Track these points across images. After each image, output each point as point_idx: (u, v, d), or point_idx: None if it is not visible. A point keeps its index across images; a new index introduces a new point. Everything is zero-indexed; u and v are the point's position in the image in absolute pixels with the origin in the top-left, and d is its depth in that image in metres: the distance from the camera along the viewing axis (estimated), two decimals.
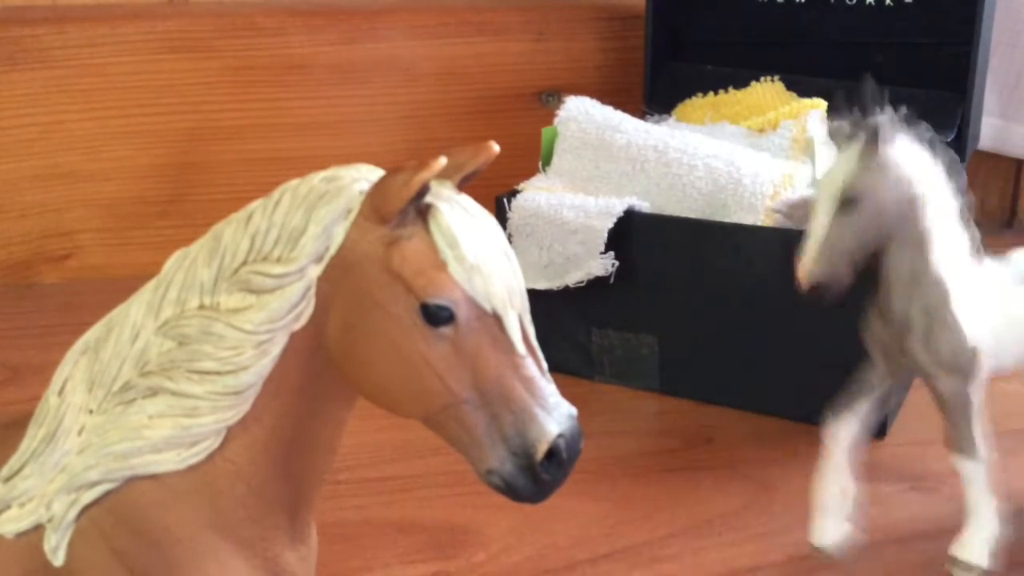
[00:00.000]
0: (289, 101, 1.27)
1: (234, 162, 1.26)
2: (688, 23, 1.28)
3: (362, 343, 0.43)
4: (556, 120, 1.08)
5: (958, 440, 0.68)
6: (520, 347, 0.42)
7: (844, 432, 0.71)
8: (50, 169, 1.22)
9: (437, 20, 1.30)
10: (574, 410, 0.43)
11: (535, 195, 1.02)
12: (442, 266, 0.42)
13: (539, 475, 0.42)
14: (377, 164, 0.46)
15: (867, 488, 0.84)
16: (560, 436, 0.42)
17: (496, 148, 0.44)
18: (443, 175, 0.44)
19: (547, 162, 1.09)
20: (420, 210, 0.42)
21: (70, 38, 1.20)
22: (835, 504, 0.72)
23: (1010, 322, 0.68)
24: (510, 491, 0.43)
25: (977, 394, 0.68)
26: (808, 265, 0.63)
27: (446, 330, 0.42)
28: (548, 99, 1.34)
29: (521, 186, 1.05)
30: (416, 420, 0.44)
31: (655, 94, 1.25)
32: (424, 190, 0.42)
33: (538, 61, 1.34)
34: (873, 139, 0.62)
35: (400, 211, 0.42)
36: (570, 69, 1.35)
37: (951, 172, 0.66)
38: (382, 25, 1.28)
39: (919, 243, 0.64)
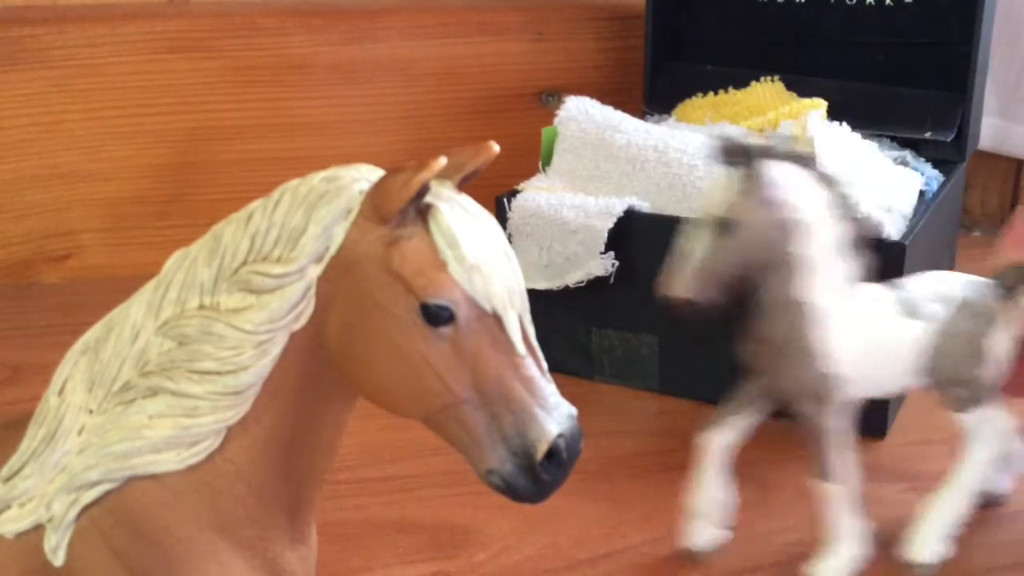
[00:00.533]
0: (289, 101, 1.26)
1: (234, 162, 1.26)
2: (688, 23, 1.28)
3: (362, 343, 0.43)
4: (556, 120, 1.08)
5: (814, 462, 0.70)
6: (520, 347, 0.42)
7: (718, 442, 0.72)
8: (50, 169, 1.22)
9: (437, 20, 1.30)
10: (574, 410, 0.43)
11: (535, 195, 1.02)
12: (442, 266, 0.42)
13: (539, 475, 0.42)
14: (377, 164, 0.46)
15: (867, 488, 0.84)
16: (560, 436, 0.42)
17: (496, 148, 0.44)
18: (443, 175, 0.44)
19: (547, 162, 1.09)
20: (420, 210, 0.42)
21: (70, 38, 1.20)
22: (706, 510, 0.74)
23: (878, 348, 0.69)
24: (510, 491, 0.43)
25: (836, 420, 0.68)
26: (681, 282, 0.65)
27: (446, 330, 0.42)
28: (548, 99, 1.34)
29: (521, 186, 1.05)
30: (416, 420, 0.44)
31: (655, 94, 1.25)
32: (424, 190, 0.42)
33: (538, 61, 1.34)
34: (751, 166, 0.64)
35: (400, 211, 0.42)
36: (570, 69, 1.35)
37: (837, 201, 0.66)
38: (382, 25, 1.28)
39: (791, 269, 0.65)
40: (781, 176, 0.64)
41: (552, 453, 0.42)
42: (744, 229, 0.63)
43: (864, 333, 0.68)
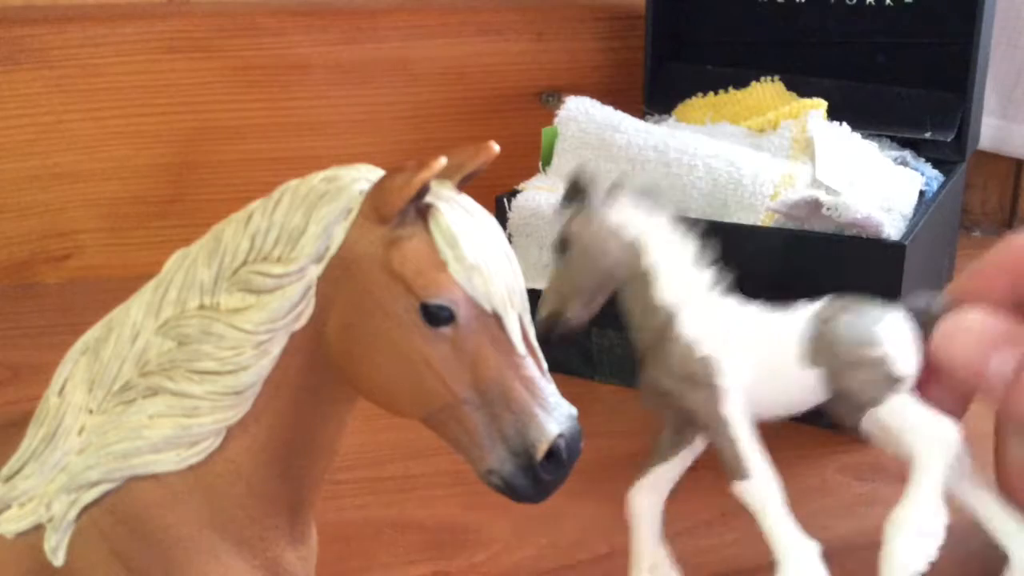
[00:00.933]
0: (289, 101, 1.27)
1: (234, 162, 1.26)
2: (688, 23, 1.28)
3: (362, 343, 0.43)
4: (556, 120, 1.08)
5: (726, 462, 0.63)
6: (520, 347, 0.42)
7: (644, 505, 0.69)
8: (50, 169, 1.22)
9: (437, 20, 1.30)
10: (574, 410, 0.43)
11: (535, 195, 1.02)
12: (442, 266, 0.42)
13: (539, 475, 0.42)
14: (377, 164, 0.46)
15: (867, 488, 0.84)
16: (560, 436, 0.42)
17: (496, 148, 0.44)
18: (443, 175, 0.44)
19: (547, 162, 1.09)
20: (420, 210, 0.42)
21: (70, 38, 1.20)
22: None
23: (771, 374, 0.65)
24: (510, 491, 0.43)
25: (733, 410, 0.63)
26: (540, 305, 0.65)
27: (446, 330, 0.42)
28: (548, 99, 1.34)
29: (521, 186, 1.05)
30: (416, 420, 0.44)
31: (655, 94, 1.25)
32: (424, 190, 0.42)
33: (538, 61, 1.34)
34: (578, 189, 0.65)
35: (400, 211, 0.42)
36: (570, 69, 1.35)
37: (679, 220, 0.67)
38: (382, 25, 1.28)
39: (643, 279, 0.65)
40: (614, 202, 0.65)
41: (552, 453, 0.42)
42: (578, 247, 0.64)
43: (762, 354, 0.65)
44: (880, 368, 0.64)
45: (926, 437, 0.65)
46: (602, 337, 1.01)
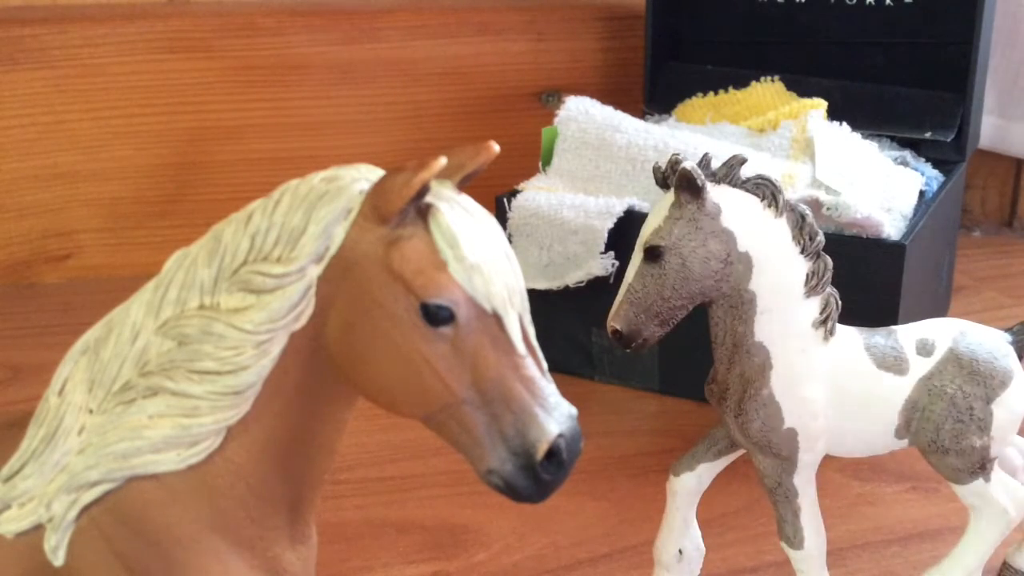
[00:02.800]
0: (289, 101, 1.27)
1: (234, 162, 1.26)
2: (688, 23, 1.28)
3: (362, 343, 0.43)
4: (556, 120, 1.08)
5: (781, 526, 0.61)
6: (520, 347, 0.42)
7: (686, 489, 0.66)
8: (50, 169, 1.22)
9: (437, 20, 1.30)
10: (574, 410, 0.43)
11: (535, 195, 1.02)
12: (442, 266, 0.42)
13: (539, 475, 0.42)
14: (377, 164, 0.46)
15: (867, 488, 0.84)
16: (560, 436, 0.42)
17: (496, 148, 0.44)
18: (443, 175, 0.44)
19: (547, 162, 1.09)
20: (420, 210, 0.42)
21: (70, 38, 1.20)
22: (673, 562, 0.67)
23: (850, 402, 0.60)
24: (510, 491, 0.43)
25: (802, 480, 0.60)
26: (611, 312, 0.58)
27: (446, 330, 0.42)
28: (548, 99, 1.34)
29: (521, 186, 1.05)
30: (416, 420, 0.44)
31: (655, 94, 1.25)
32: (424, 190, 0.42)
33: (538, 61, 1.34)
34: (684, 187, 0.56)
35: (400, 211, 0.42)
36: (570, 69, 1.35)
37: (802, 231, 0.58)
38: (382, 25, 1.28)
39: (741, 306, 0.57)
40: (729, 202, 0.57)
41: (552, 453, 0.42)
42: (674, 258, 0.56)
43: (834, 385, 0.59)
44: (975, 456, 0.60)
45: (992, 503, 0.61)
46: (602, 337, 1.01)
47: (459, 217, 0.42)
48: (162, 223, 1.26)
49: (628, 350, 0.59)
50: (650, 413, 0.98)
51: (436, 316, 0.42)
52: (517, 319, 0.43)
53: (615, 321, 0.58)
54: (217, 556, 0.45)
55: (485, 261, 0.42)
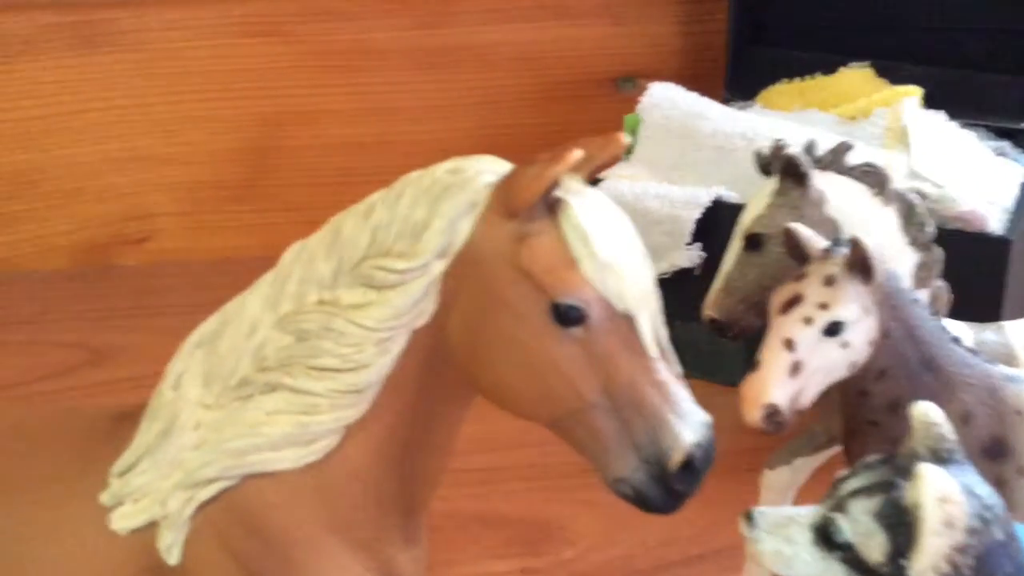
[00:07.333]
0: (365, 86, 1.25)
1: (310, 147, 1.26)
2: (771, 6, 1.24)
3: (487, 342, 0.41)
4: (638, 107, 1.06)
5: None
6: (653, 350, 0.41)
7: (778, 484, 0.65)
8: (128, 152, 1.23)
9: (513, 4, 1.28)
10: (708, 417, 0.41)
11: (617, 183, 0.99)
12: (574, 264, 0.40)
13: (672, 485, 0.40)
14: (452, 151, 0.44)
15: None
16: (696, 445, 0.40)
17: (626, 140, 0.42)
18: (572, 168, 0.42)
19: (629, 150, 1.06)
20: (550, 205, 0.41)
21: (148, 22, 1.20)
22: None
23: None
24: (640, 501, 0.41)
25: None
26: (707, 300, 0.56)
27: (576, 331, 0.40)
28: (624, 84, 1.31)
29: (602, 175, 1.03)
30: (541, 424, 0.42)
31: (737, 80, 1.22)
32: (556, 184, 0.40)
33: (615, 46, 1.31)
34: (788, 173, 0.54)
35: (531, 206, 0.40)
36: (647, 54, 1.32)
37: (911, 221, 0.55)
38: (458, 10, 1.27)
39: None
40: (835, 189, 0.55)
41: (686, 463, 0.40)
42: (776, 245, 0.54)
43: None
44: None
45: None
46: (687, 331, 0.99)
47: (591, 213, 0.41)
48: (239, 207, 1.26)
49: (726, 337, 0.56)
50: (736, 409, 0.96)
51: (567, 316, 0.40)
52: (650, 321, 0.41)
53: (711, 309, 0.56)
54: (333, 558, 0.44)
55: (619, 259, 0.40)
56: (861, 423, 0.57)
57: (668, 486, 0.40)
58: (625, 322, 0.40)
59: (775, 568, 0.44)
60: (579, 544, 0.77)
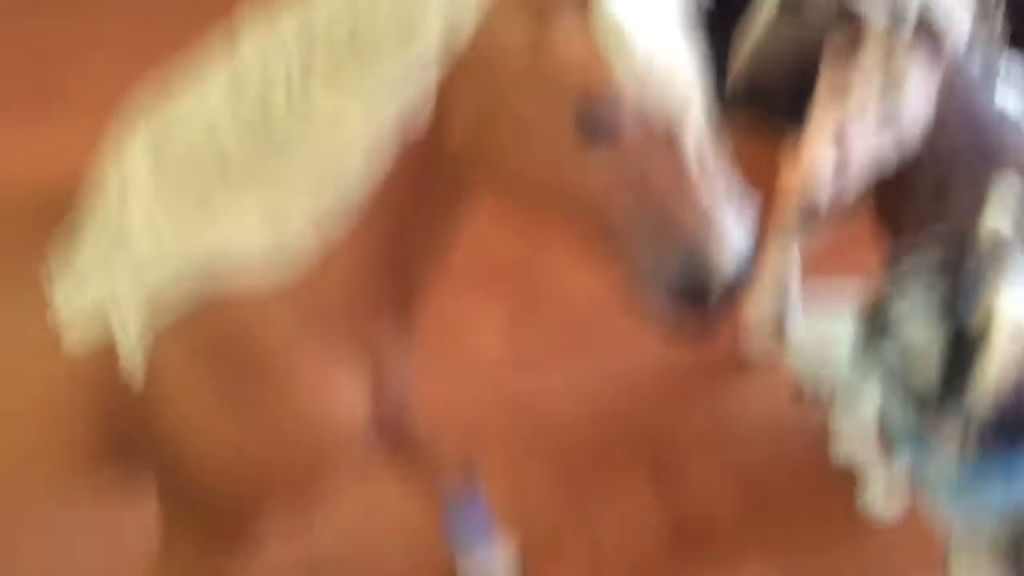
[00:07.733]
0: None
1: None
2: None
3: (498, 159, 0.36)
4: None
5: None
6: (693, 166, 0.36)
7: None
8: None
9: None
10: (746, 243, 0.37)
11: None
12: (606, 66, 0.34)
13: (705, 307, 0.37)
14: None
15: None
16: (728, 272, 0.37)
17: None
18: None
19: None
20: None
21: None
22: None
23: None
24: (664, 319, 0.38)
25: None
26: (733, 68, 0.52)
27: (606, 142, 0.35)
28: None
29: None
30: (564, 233, 0.38)
31: None
32: None
33: None
34: None
35: None
36: None
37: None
38: None
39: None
40: None
41: (713, 287, 0.37)
42: (812, 5, 0.49)
43: None
44: None
45: None
46: None
47: (628, 5, 0.34)
48: None
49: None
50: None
51: (595, 126, 0.34)
52: (693, 130, 0.35)
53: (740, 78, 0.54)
54: (315, 366, 0.40)
55: (659, 58, 0.34)
56: (900, 205, 0.54)
57: (697, 308, 0.38)
58: (663, 133, 0.35)
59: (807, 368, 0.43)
60: None
